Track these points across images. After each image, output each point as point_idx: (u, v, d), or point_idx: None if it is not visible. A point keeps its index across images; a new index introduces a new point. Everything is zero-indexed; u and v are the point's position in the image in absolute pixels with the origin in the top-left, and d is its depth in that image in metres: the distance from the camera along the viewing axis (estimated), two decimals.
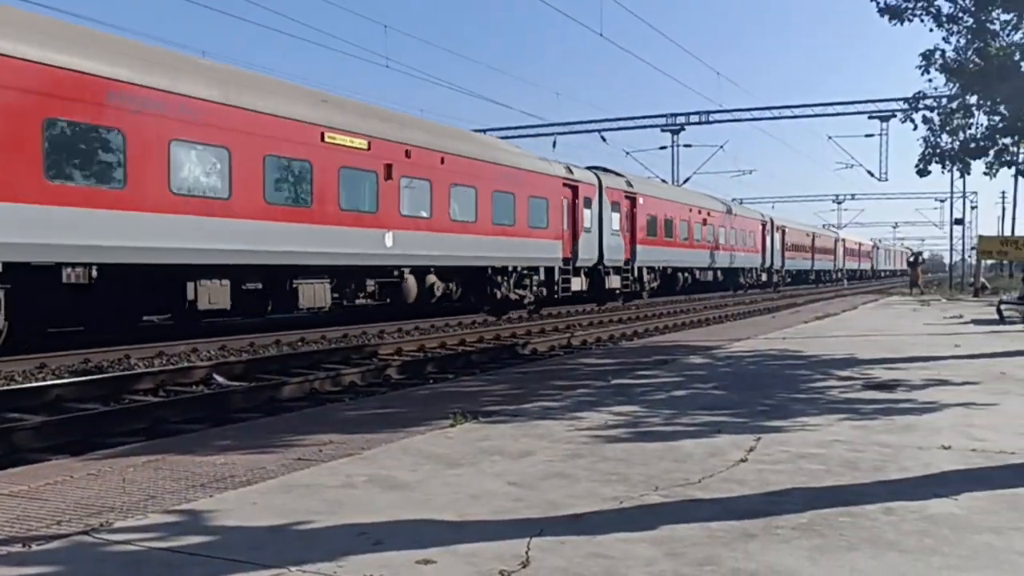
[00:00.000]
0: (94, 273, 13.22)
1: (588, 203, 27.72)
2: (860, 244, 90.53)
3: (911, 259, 45.14)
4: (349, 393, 10.77)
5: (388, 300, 19.74)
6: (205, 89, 14.59)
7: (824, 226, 79.16)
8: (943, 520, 3.98)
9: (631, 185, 32.11)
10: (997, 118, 12.93)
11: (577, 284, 26.90)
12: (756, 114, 44.35)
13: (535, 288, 25.01)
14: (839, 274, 74.32)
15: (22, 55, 11.76)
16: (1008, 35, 12.43)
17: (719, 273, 42.73)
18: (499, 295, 23.34)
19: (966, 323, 18.07)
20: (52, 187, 12.07)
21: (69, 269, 13.01)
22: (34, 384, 10.39)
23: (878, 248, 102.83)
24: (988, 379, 9.02)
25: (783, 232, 54.95)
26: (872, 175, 47.34)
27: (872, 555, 3.50)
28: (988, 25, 12.17)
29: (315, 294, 17.09)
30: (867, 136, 45.91)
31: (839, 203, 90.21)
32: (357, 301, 18.97)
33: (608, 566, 3.38)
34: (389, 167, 18.52)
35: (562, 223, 25.97)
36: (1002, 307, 19.25)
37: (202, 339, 14.84)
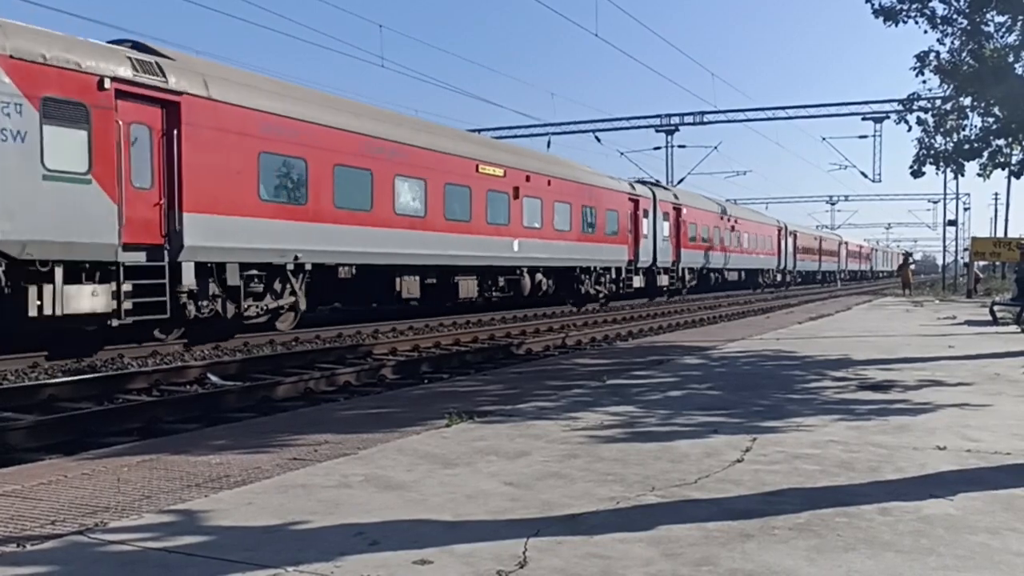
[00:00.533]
0: (354, 271, 18.12)
1: (646, 214, 33.13)
2: (860, 247, 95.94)
3: (900, 260, 45.27)
4: (344, 393, 10.76)
5: (512, 293, 24.85)
6: (415, 136, 20.15)
7: (818, 227, 79.70)
8: (939, 521, 3.98)
9: (677, 198, 37.47)
10: (991, 120, 12.97)
11: (638, 282, 32.40)
12: (750, 115, 44.44)
13: (608, 285, 30.06)
14: (843, 275, 79.75)
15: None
16: (1002, 37, 12.47)
17: (743, 273, 47.98)
18: (583, 290, 28.59)
19: (959, 324, 18.13)
20: (338, 213, 17.48)
21: (344, 268, 17.97)
22: (27, 383, 10.35)
23: (876, 250, 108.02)
24: (982, 380, 9.05)
25: (795, 236, 60.24)
26: (866, 176, 47.53)
27: (869, 555, 3.50)
28: (982, 27, 12.21)
29: (469, 288, 22.30)
30: (861, 137, 45.93)
31: (833, 204, 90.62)
32: (492, 293, 23.99)
33: (605, 566, 3.38)
34: (517, 189, 23.95)
35: (627, 231, 31.48)
36: (995, 308, 19.32)
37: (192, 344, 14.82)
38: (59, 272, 12.12)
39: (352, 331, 17.84)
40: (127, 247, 13.05)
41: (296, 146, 16.36)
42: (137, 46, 14.51)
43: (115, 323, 12.97)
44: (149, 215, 13.59)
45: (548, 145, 44.52)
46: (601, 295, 29.64)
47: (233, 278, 15.15)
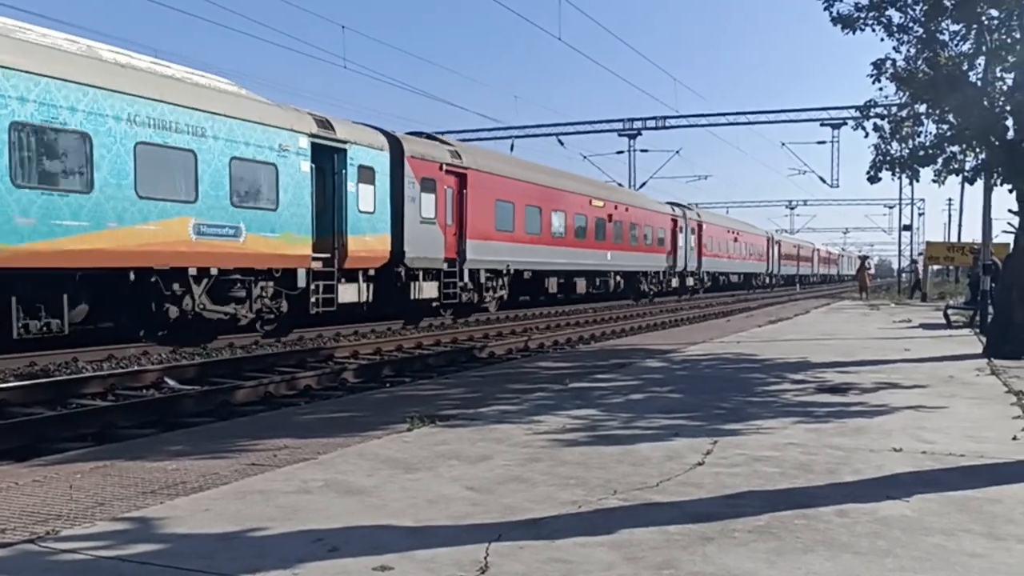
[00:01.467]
0: (531, 274, 27.07)
1: (681, 229, 43.01)
2: (830, 253, 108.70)
3: (858, 264, 46.02)
4: (305, 397, 10.64)
5: (602, 291, 33.94)
6: (558, 182, 29.82)
7: (778, 230, 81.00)
8: (895, 522, 4.04)
9: (699, 216, 47.64)
10: (945, 127, 13.18)
11: (675, 283, 42.91)
12: (711, 120, 44.84)
13: (656, 284, 40.43)
14: (815, 278, 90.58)
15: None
16: (957, 45, 12.69)
17: (741, 276, 57.58)
18: (641, 289, 38.34)
19: (914, 327, 18.45)
20: (525, 236, 26.45)
21: (527, 272, 26.88)
22: None
23: (843, 255, 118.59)
24: (936, 382, 9.21)
25: (779, 245, 70.66)
26: (824, 181, 48.23)
27: (827, 557, 3.53)
28: (937, 35, 12.41)
29: (581, 287, 31.38)
30: (819, 143, 46.56)
31: (792, 209, 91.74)
32: (593, 290, 32.79)
33: (567, 571, 3.37)
34: (610, 215, 33.52)
35: (668, 243, 41.55)
36: (949, 312, 19.69)
37: (153, 342, 14.57)
38: (421, 275, 21.13)
39: (313, 334, 17.67)
40: (444, 260, 22.06)
41: (510, 194, 25.60)
42: (431, 137, 24.01)
43: (435, 304, 22.07)
44: (453, 242, 22.53)
45: (511, 148, 44.54)
46: (651, 292, 39.42)
47: (482, 278, 24.42)
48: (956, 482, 4.82)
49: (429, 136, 24.08)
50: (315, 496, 4.52)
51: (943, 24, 12.33)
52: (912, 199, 70.08)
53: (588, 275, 31.73)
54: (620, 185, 45.71)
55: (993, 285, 15.03)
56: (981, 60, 12.54)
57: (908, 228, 49.03)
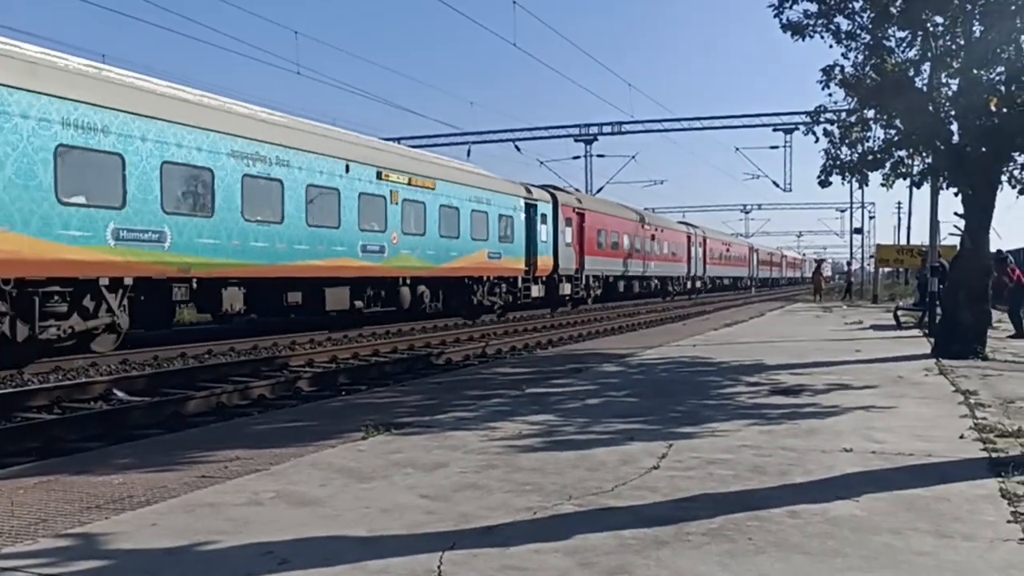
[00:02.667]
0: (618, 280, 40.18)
1: (691, 242, 53.24)
2: (796, 258, 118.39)
3: (814, 267, 47.01)
4: (258, 407, 10.49)
5: (645, 291, 44.43)
6: (623, 211, 41.48)
7: (732, 234, 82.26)
8: (845, 522, 4.08)
9: (704, 232, 58.24)
10: (893, 131, 13.43)
11: (690, 284, 53.38)
12: (667, 125, 45.38)
13: (678, 287, 50.87)
14: (783, 280, 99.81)
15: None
16: (903, 52, 12.95)
17: (729, 280, 67.81)
18: (668, 289, 48.67)
19: (866, 329, 18.78)
20: (619, 254, 39.16)
21: (611, 278, 38.48)
22: None
23: (806, 260, 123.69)
24: (886, 383, 9.37)
25: (757, 252, 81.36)
26: (777, 185, 49.02)
27: (779, 558, 3.56)
28: (884, 42, 12.64)
29: (630, 288, 41.48)
30: (772, 148, 47.37)
31: (747, 213, 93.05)
32: (638, 290, 43.26)
33: None
34: (654, 236, 44.33)
35: (684, 254, 51.94)
36: (898, 313, 20.09)
37: (103, 353, 14.27)
38: (564, 279, 31.80)
39: (268, 343, 17.46)
40: (575, 270, 32.81)
41: (608, 226, 37.21)
42: (556, 187, 34.81)
43: (567, 297, 32.66)
44: (575, 257, 32.91)
45: (468, 154, 44.69)
46: (676, 291, 49.76)
47: (590, 283, 34.77)
48: (905, 481, 4.89)
49: (554, 187, 34.67)
50: (266, 508, 4.44)
51: (889, 31, 12.58)
52: (863, 203, 71.48)
53: (642, 280, 43.46)
54: (577, 190, 46.02)
55: (941, 287, 15.35)
56: (927, 66, 12.82)
57: (859, 231, 50.14)
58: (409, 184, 22.38)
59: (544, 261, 30.19)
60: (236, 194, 16.40)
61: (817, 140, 13.92)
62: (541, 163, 51.30)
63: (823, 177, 13.82)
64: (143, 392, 11.34)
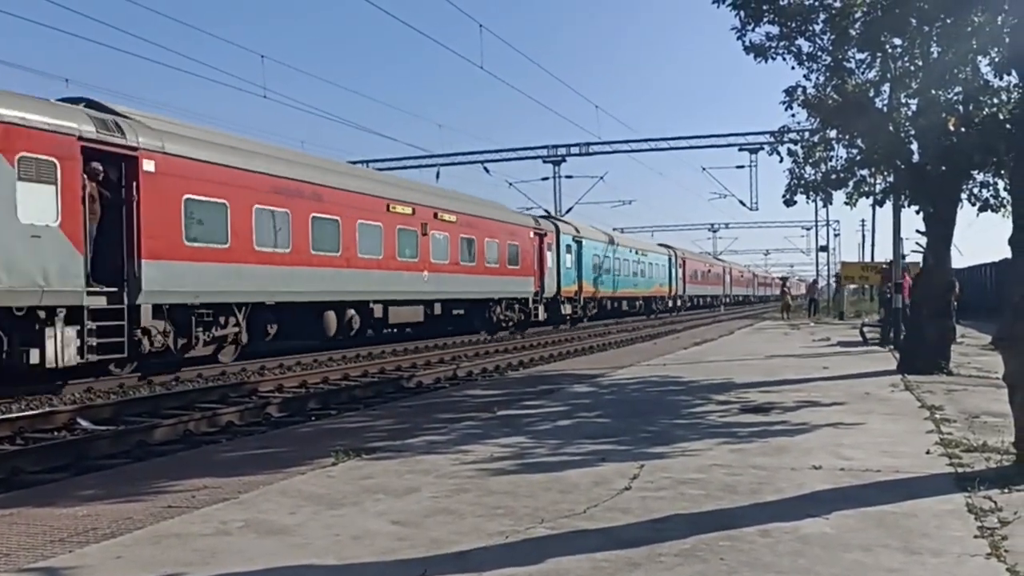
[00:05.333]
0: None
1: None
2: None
3: (781, 286, 47.57)
4: (227, 434, 10.34)
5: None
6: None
7: (700, 253, 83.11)
8: (816, 540, 4.10)
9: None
10: (855, 151, 13.65)
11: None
12: (634, 146, 45.58)
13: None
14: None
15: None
16: (863, 73, 13.20)
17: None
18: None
19: (833, 345, 18.98)
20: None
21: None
22: None
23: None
24: (854, 399, 9.46)
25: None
26: (744, 204, 49.30)
27: None
28: (844, 63, 12.88)
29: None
30: (738, 167, 47.73)
31: (714, 231, 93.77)
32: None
33: None
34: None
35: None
36: (864, 330, 20.35)
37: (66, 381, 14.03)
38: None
39: (237, 368, 17.26)
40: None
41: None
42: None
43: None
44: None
45: (437, 176, 44.65)
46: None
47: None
48: (873, 498, 4.93)
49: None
50: (235, 538, 4.37)
51: (849, 52, 12.81)
52: (828, 221, 72.64)
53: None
54: (547, 211, 46.23)
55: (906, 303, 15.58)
56: (886, 87, 13.08)
57: (824, 249, 50.66)
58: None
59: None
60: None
61: (781, 160, 14.12)
62: (510, 184, 51.27)
63: (788, 196, 13.99)
64: (108, 421, 11.13)
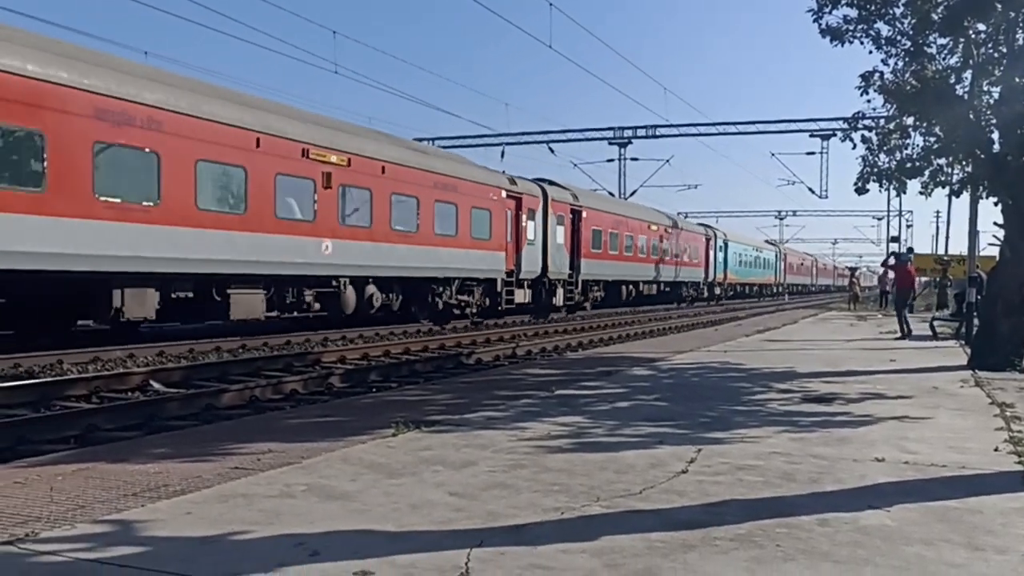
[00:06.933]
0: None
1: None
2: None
3: (849, 276, 46.47)
4: (290, 401, 10.61)
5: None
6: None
7: (766, 240, 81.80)
8: (876, 531, 4.05)
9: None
10: (932, 139, 13.25)
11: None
12: (702, 129, 45.05)
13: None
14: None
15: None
16: (944, 59, 12.79)
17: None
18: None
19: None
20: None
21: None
22: None
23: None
24: (921, 393, 9.26)
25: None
26: (813, 192, 48.39)
27: (807, 566, 3.54)
28: (925, 48, 12.49)
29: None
30: (808, 154, 46.76)
31: (781, 219, 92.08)
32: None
33: None
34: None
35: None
36: (935, 323, 19.81)
37: (140, 344, 14.51)
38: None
39: (301, 339, 17.63)
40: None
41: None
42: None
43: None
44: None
45: (502, 155, 44.81)
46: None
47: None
48: (937, 492, 4.84)
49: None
50: (298, 500, 4.51)
51: (931, 38, 12.42)
52: (900, 211, 70.45)
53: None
54: (612, 193, 45.88)
55: (979, 297, 15.12)
56: (968, 74, 12.62)
57: (896, 240, 49.28)
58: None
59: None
60: None
61: (855, 146, 13.80)
62: (575, 165, 51.00)
63: (860, 184, 13.67)
64: (179, 384, 11.52)
